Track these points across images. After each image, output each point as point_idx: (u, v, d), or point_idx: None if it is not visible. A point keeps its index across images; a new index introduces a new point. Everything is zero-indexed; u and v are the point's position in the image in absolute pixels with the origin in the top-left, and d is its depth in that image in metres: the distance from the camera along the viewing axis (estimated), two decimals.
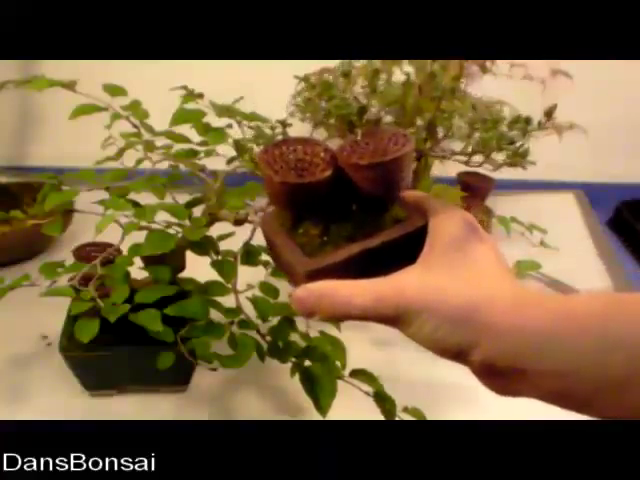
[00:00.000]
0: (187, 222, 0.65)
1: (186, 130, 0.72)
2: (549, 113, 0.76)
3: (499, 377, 0.30)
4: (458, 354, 0.32)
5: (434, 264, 0.35)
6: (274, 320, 0.67)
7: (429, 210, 0.38)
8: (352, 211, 0.39)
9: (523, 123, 0.75)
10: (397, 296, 0.33)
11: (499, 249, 0.36)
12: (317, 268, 0.36)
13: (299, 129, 0.78)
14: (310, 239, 0.38)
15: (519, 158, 0.74)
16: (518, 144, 0.73)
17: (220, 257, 0.66)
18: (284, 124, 0.71)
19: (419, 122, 0.83)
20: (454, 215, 0.37)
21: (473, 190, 1.06)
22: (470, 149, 0.76)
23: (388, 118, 0.93)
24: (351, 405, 0.61)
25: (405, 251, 0.37)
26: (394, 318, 0.33)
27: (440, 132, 0.80)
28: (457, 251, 0.35)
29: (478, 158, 0.79)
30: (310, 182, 0.36)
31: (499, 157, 0.77)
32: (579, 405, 0.28)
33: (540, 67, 0.91)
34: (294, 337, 0.66)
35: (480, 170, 0.83)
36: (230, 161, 0.71)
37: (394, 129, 0.39)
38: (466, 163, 0.79)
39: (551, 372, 0.28)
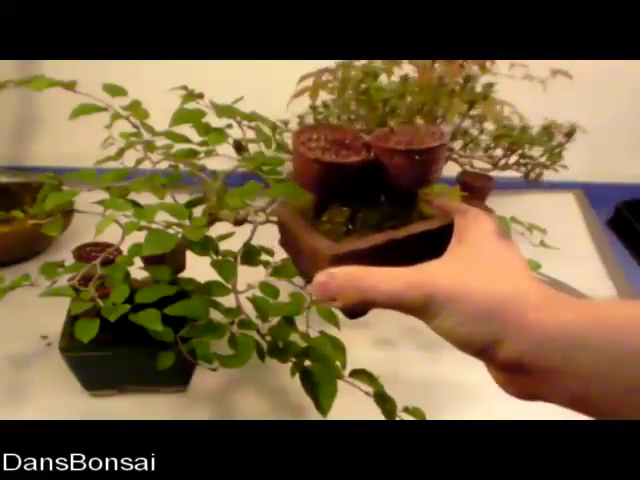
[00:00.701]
0: (187, 222, 0.65)
1: (186, 130, 0.72)
2: (570, 133, 0.76)
3: (523, 375, 0.30)
4: (482, 350, 0.31)
5: (462, 258, 0.35)
6: (274, 320, 0.67)
7: (456, 211, 0.39)
8: (380, 201, 0.38)
9: (548, 135, 0.76)
10: (426, 285, 0.33)
11: (524, 257, 0.36)
12: (342, 252, 0.35)
13: None
14: (334, 227, 0.37)
15: (556, 157, 0.74)
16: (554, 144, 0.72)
17: (220, 257, 0.66)
18: (316, 111, 0.71)
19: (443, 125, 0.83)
20: (482, 217, 0.38)
21: (473, 190, 1.06)
22: (499, 152, 0.75)
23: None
24: (351, 405, 0.61)
25: (430, 247, 0.36)
26: (420, 308, 0.33)
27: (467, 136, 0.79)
28: (485, 249, 0.35)
29: (506, 160, 0.78)
30: (343, 163, 0.36)
31: (530, 161, 0.77)
32: (603, 412, 0.27)
33: (540, 67, 0.91)
34: (294, 337, 0.66)
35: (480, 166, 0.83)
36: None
37: (428, 125, 0.39)
38: (495, 165, 0.79)
39: (579, 375, 0.28)
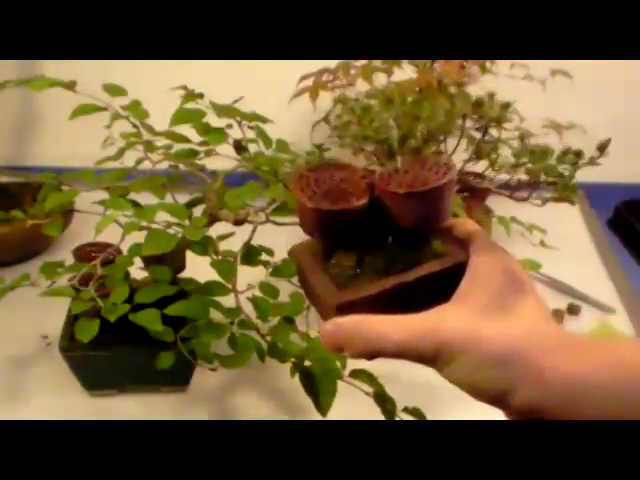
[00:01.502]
0: (187, 222, 0.65)
1: (186, 130, 0.72)
2: (602, 148, 0.73)
3: (537, 417, 0.29)
4: (495, 398, 0.30)
5: (474, 300, 0.33)
6: (274, 320, 0.67)
7: (472, 246, 0.37)
8: (387, 243, 0.37)
9: (573, 156, 0.73)
10: (437, 334, 0.31)
11: (540, 296, 0.35)
12: (348, 301, 0.34)
13: (338, 152, 0.77)
14: (342, 270, 0.36)
15: (569, 192, 0.72)
16: (567, 177, 0.70)
17: (220, 257, 0.66)
18: (321, 149, 0.69)
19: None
20: (497, 257, 0.36)
21: (473, 190, 1.06)
22: (515, 180, 0.73)
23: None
24: (351, 405, 0.61)
25: (441, 287, 0.35)
26: (432, 357, 0.31)
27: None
28: (498, 288, 0.33)
29: (523, 192, 0.76)
30: (344, 210, 0.35)
31: (546, 192, 0.75)
32: None
33: (540, 67, 0.91)
34: (294, 337, 0.66)
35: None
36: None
37: (436, 157, 0.37)
38: (510, 196, 0.77)
39: (597, 418, 0.27)
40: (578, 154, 0.73)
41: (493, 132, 0.74)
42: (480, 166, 0.76)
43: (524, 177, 0.70)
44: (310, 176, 0.37)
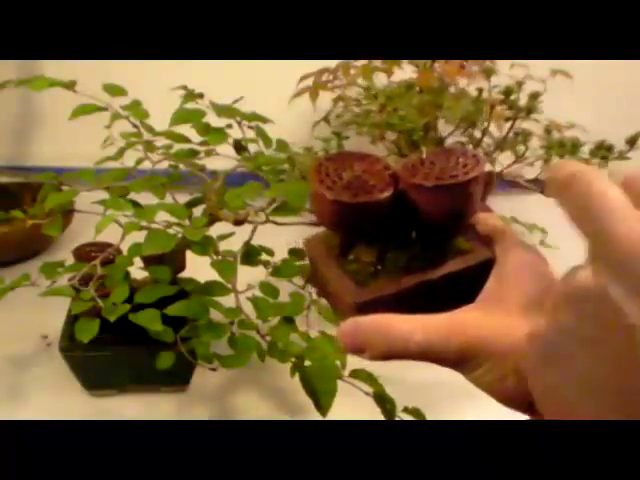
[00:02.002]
0: (187, 222, 0.65)
1: (186, 130, 0.72)
2: (633, 141, 0.71)
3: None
4: (528, 405, 0.28)
5: (501, 300, 0.31)
6: (274, 320, 0.67)
7: (498, 244, 0.35)
8: (410, 238, 0.35)
9: (605, 150, 0.70)
10: (462, 336, 0.29)
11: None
12: (368, 299, 0.32)
13: (354, 143, 0.74)
14: (361, 267, 0.34)
15: None
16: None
17: (220, 257, 0.66)
18: (340, 136, 0.67)
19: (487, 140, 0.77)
20: (525, 257, 0.34)
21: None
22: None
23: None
24: (351, 405, 0.61)
25: (467, 286, 0.33)
26: (457, 360, 0.30)
27: (511, 155, 0.74)
28: (527, 295, 0.31)
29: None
30: (366, 202, 0.33)
31: None
32: None
33: (540, 67, 0.91)
34: (294, 337, 0.66)
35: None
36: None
37: (463, 149, 0.35)
38: (542, 192, 0.74)
39: None
40: (609, 148, 0.71)
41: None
42: (504, 158, 0.74)
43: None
44: (329, 166, 0.34)
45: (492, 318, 0.30)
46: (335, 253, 0.35)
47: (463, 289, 0.33)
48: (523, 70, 0.92)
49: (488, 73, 0.71)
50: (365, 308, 0.32)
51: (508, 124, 0.73)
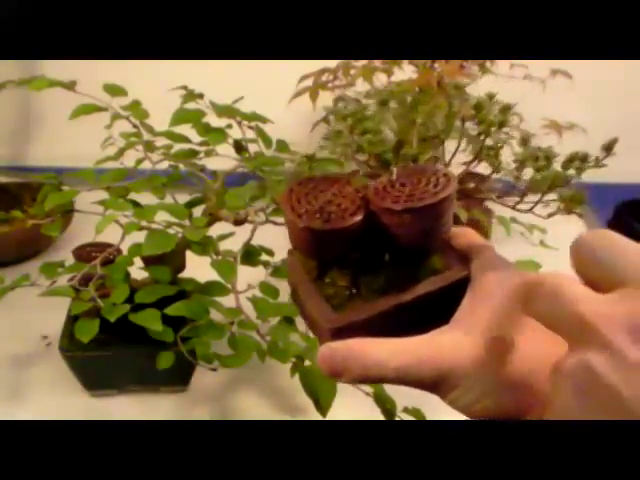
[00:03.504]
0: (187, 222, 0.65)
1: (186, 130, 0.72)
2: (609, 148, 0.70)
3: None
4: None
5: (476, 321, 0.31)
6: (274, 320, 0.67)
7: (474, 261, 0.34)
8: (384, 261, 0.35)
9: (579, 161, 0.69)
10: (438, 360, 0.30)
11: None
12: (343, 325, 0.32)
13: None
14: (337, 290, 0.34)
15: (575, 204, 0.67)
16: (574, 186, 0.66)
17: (220, 257, 0.66)
18: (311, 159, 0.67)
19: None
20: (500, 275, 0.33)
21: (472, 197, 1.06)
22: (520, 188, 0.69)
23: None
24: (351, 405, 0.61)
25: (443, 305, 0.33)
26: (433, 383, 0.30)
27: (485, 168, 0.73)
28: (502, 315, 0.31)
29: (527, 201, 0.72)
30: (337, 229, 0.32)
31: (551, 198, 0.71)
32: None
33: (540, 67, 0.91)
34: (294, 337, 0.66)
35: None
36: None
37: (434, 167, 0.34)
38: (514, 207, 0.73)
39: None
40: (583, 159, 0.70)
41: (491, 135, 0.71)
42: (482, 168, 0.74)
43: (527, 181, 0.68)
44: (300, 191, 0.34)
45: (467, 338, 0.30)
46: (312, 276, 0.35)
47: (439, 309, 0.32)
48: (523, 70, 0.92)
49: (459, 89, 0.71)
50: (342, 333, 0.32)
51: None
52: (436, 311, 0.32)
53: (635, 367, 0.24)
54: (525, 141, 0.70)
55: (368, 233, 0.34)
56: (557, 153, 0.68)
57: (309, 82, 0.94)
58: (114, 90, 0.73)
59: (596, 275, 0.27)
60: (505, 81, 0.90)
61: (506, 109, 0.67)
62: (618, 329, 0.25)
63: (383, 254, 0.35)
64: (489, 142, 0.69)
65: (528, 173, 0.70)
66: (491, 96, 0.69)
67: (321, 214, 0.33)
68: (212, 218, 0.68)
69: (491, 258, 0.34)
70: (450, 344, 0.30)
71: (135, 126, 0.73)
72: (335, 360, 0.31)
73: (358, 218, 0.33)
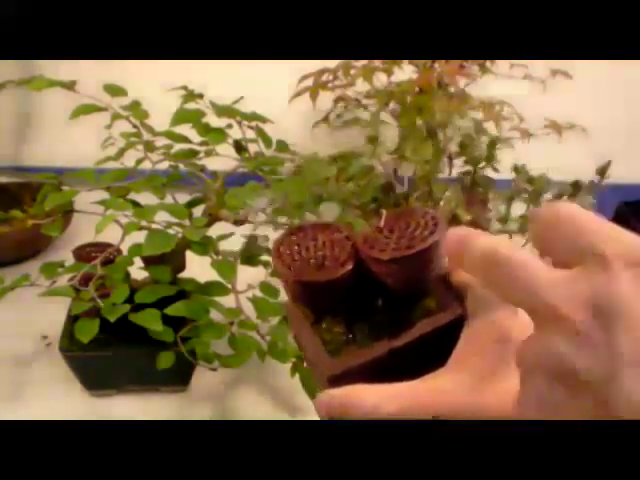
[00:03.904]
0: (187, 222, 0.65)
1: (186, 130, 0.72)
2: (602, 171, 0.69)
3: None
4: None
5: (470, 370, 0.31)
6: (274, 320, 0.67)
7: (468, 302, 0.34)
8: (377, 306, 0.35)
9: (572, 189, 0.68)
10: (434, 403, 0.30)
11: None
12: (340, 372, 0.32)
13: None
14: (334, 336, 0.34)
15: None
16: None
17: (220, 257, 0.66)
18: (302, 206, 0.66)
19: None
20: (493, 318, 0.32)
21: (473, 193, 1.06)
22: (510, 226, 0.68)
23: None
24: None
25: (438, 347, 0.32)
26: None
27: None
28: (495, 360, 0.31)
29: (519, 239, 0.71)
30: (328, 280, 0.33)
31: None
32: None
33: (540, 67, 0.91)
34: None
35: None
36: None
37: (423, 210, 0.34)
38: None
39: None
40: (576, 186, 0.69)
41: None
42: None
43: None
44: (292, 241, 0.35)
45: (459, 384, 0.30)
46: (310, 320, 0.35)
47: (435, 351, 0.32)
48: (523, 70, 0.92)
49: (443, 126, 0.71)
50: (339, 379, 0.32)
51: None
52: (432, 353, 0.32)
53: (600, 346, 0.24)
54: (518, 170, 0.68)
55: (359, 280, 0.34)
56: (547, 183, 0.67)
57: (309, 82, 0.94)
58: (114, 90, 0.73)
59: (555, 251, 0.27)
60: (505, 81, 0.90)
61: (492, 145, 0.67)
62: (579, 309, 0.24)
63: (375, 299, 0.35)
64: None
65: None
66: (478, 128, 0.68)
67: (312, 264, 0.33)
68: (212, 218, 0.68)
69: (481, 299, 0.33)
70: (444, 389, 0.30)
71: (135, 126, 0.73)
72: (333, 407, 0.32)
73: (348, 268, 0.33)
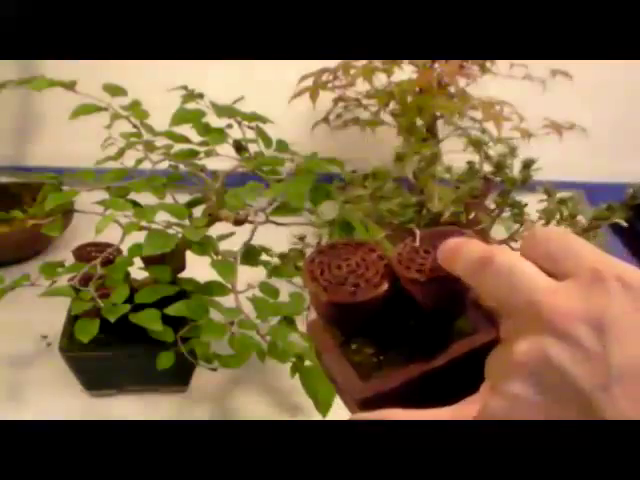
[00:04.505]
0: (187, 222, 0.65)
1: (186, 130, 0.72)
2: (527, 165, 0.67)
3: None
4: None
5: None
6: (274, 320, 0.67)
7: (502, 324, 0.32)
8: (410, 326, 0.34)
9: (606, 212, 0.67)
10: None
11: None
12: (372, 395, 0.32)
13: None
14: (364, 358, 0.33)
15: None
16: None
17: (220, 257, 0.66)
18: (334, 224, 0.64)
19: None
20: (521, 332, 0.30)
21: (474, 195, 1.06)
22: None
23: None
24: None
25: (470, 371, 0.31)
26: None
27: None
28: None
29: None
30: (363, 301, 0.32)
31: None
32: None
33: (540, 67, 0.91)
34: (294, 337, 0.66)
35: None
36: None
37: (457, 230, 0.33)
38: None
39: None
40: (610, 209, 0.67)
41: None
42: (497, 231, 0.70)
43: None
44: (323, 261, 0.34)
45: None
46: (339, 341, 0.34)
47: (468, 374, 0.31)
48: (523, 70, 0.92)
49: (477, 145, 0.69)
50: (369, 403, 0.32)
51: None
52: (464, 377, 0.31)
53: (596, 358, 0.24)
54: (549, 193, 0.67)
55: (393, 300, 0.33)
56: (583, 208, 0.66)
57: (309, 82, 0.94)
58: (114, 90, 0.73)
59: (546, 263, 0.27)
60: (505, 81, 0.90)
61: (528, 165, 0.65)
62: (576, 321, 0.25)
63: (408, 320, 0.34)
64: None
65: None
66: (513, 150, 0.66)
67: (345, 286, 0.32)
68: (212, 218, 0.68)
69: (515, 324, 0.32)
70: (477, 415, 0.29)
71: (135, 126, 0.73)
72: None
73: (383, 289, 0.32)
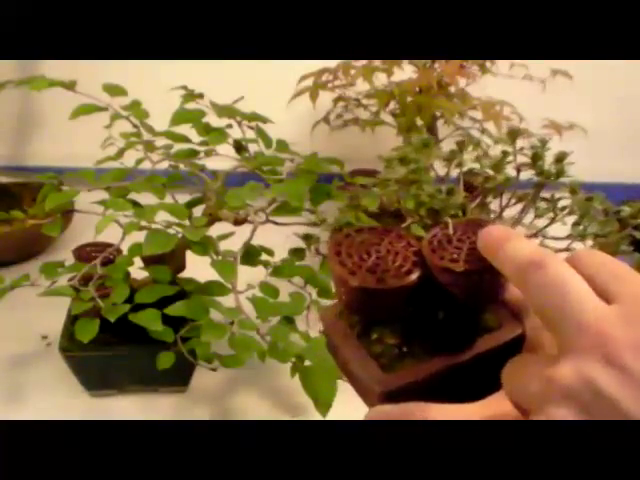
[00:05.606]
0: (187, 222, 0.65)
1: (186, 130, 0.72)
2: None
3: None
4: None
5: None
6: (274, 320, 0.67)
7: (527, 320, 0.32)
8: (437, 318, 0.33)
9: None
10: None
11: None
12: (395, 388, 0.30)
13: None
14: (386, 348, 0.32)
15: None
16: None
17: (220, 257, 0.66)
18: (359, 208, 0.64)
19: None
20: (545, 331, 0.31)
21: (474, 190, 1.05)
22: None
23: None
24: (351, 405, 0.60)
25: (496, 367, 0.30)
26: None
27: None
28: None
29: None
30: (393, 288, 0.31)
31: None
32: None
33: (540, 67, 0.91)
34: (294, 337, 0.66)
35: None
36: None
37: (489, 221, 0.33)
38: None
39: None
40: None
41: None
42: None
43: None
44: (350, 244, 0.32)
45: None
46: (355, 331, 0.33)
47: (493, 370, 0.30)
48: (523, 70, 0.92)
49: (513, 137, 0.69)
50: (392, 396, 0.31)
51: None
52: (490, 372, 0.31)
53: None
54: (574, 191, 0.66)
55: (421, 289, 0.32)
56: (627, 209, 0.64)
57: (309, 82, 0.94)
58: (114, 90, 0.73)
59: (591, 284, 0.27)
60: (505, 81, 0.90)
61: (561, 158, 0.64)
62: (625, 347, 0.25)
63: (436, 311, 0.33)
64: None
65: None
66: (544, 142, 0.66)
67: (374, 272, 0.31)
68: (212, 218, 0.68)
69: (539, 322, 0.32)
70: (505, 413, 0.29)
71: (135, 126, 0.73)
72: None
73: (414, 276, 0.31)
